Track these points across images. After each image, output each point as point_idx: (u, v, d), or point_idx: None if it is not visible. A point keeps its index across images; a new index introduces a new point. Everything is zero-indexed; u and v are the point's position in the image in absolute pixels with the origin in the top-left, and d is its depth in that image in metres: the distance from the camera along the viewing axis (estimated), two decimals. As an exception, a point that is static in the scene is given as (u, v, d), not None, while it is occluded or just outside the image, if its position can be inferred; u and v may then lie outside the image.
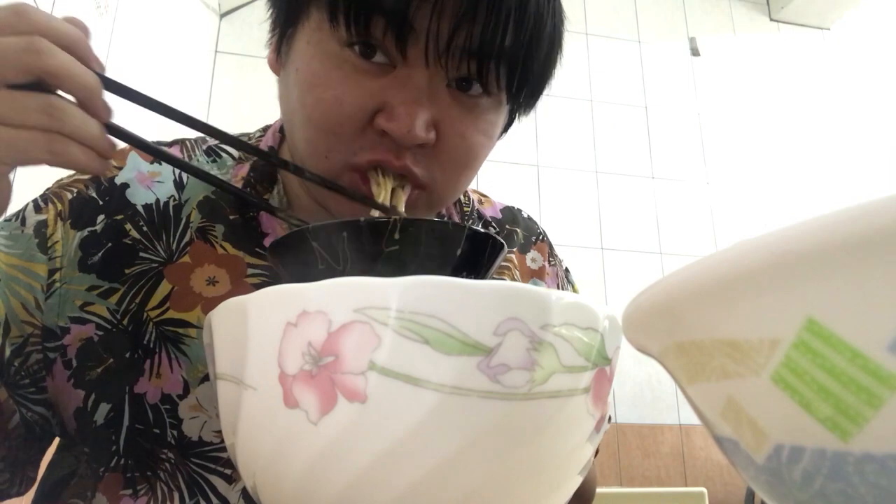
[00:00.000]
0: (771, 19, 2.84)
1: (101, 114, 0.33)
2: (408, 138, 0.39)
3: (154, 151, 0.38)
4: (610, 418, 0.41)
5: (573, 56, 2.52)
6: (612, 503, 1.34)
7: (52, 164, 0.31)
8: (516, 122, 0.49)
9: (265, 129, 0.55)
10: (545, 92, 0.46)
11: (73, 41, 0.31)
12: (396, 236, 0.33)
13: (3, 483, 0.44)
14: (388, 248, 0.33)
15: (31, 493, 0.48)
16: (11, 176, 0.34)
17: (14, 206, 0.38)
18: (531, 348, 0.24)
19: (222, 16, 2.17)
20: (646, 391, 2.14)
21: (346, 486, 0.25)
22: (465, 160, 0.43)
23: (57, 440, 0.48)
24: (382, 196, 0.41)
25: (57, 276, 0.44)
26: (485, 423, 0.24)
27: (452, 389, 0.24)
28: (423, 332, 0.24)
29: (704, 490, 1.34)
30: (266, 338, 0.25)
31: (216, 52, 2.18)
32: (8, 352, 0.43)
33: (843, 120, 2.73)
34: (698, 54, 2.67)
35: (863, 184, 2.60)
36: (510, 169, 2.32)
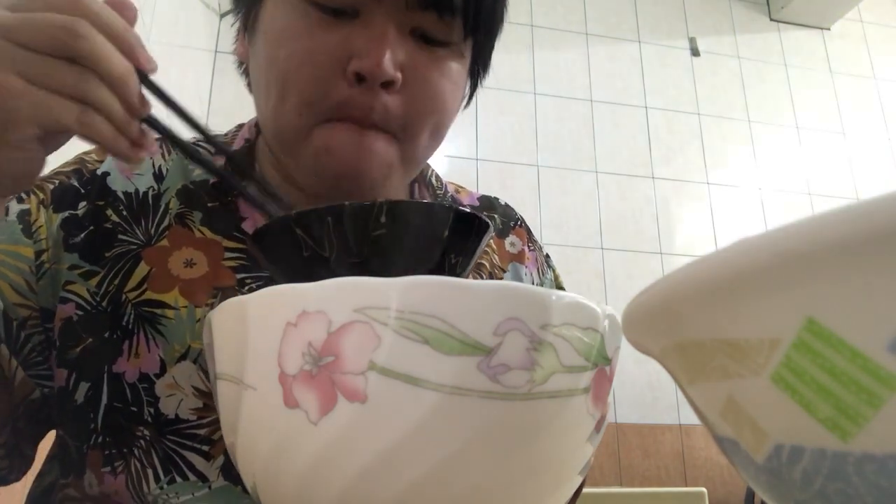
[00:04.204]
0: (771, 19, 2.84)
1: (132, 103, 0.33)
2: (378, 73, 0.41)
3: (190, 152, 0.38)
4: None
5: (573, 56, 2.53)
6: (612, 503, 1.34)
7: (79, 133, 0.32)
8: (479, 87, 0.52)
9: (240, 126, 0.56)
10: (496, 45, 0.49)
11: (117, 33, 0.32)
12: (382, 219, 0.32)
13: (2, 469, 0.44)
14: (374, 231, 0.32)
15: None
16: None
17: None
18: (531, 348, 0.24)
19: (222, 16, 2.17)
20: (646, 391, 2.14)
21: (346, 486, 0.25)
22: (433, 105, 0.45)
23: (47, 448, 0.48)
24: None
25: (45, 256, 0.44)
26: (485, 423, 0.24)
27: (452, 389, 0.24)
28: (423, 332, 0.24)
29: (704, 490, 1.34)
30: (266, 338, 0.25)
31: (216, 52, 2.18)
32: (22, 335, 0.43)
33: (843, 120, 2.73)
34: (698, 54, 2.67)
35: (863, 183, 2.61)
36: (510, 169, 2.32)
